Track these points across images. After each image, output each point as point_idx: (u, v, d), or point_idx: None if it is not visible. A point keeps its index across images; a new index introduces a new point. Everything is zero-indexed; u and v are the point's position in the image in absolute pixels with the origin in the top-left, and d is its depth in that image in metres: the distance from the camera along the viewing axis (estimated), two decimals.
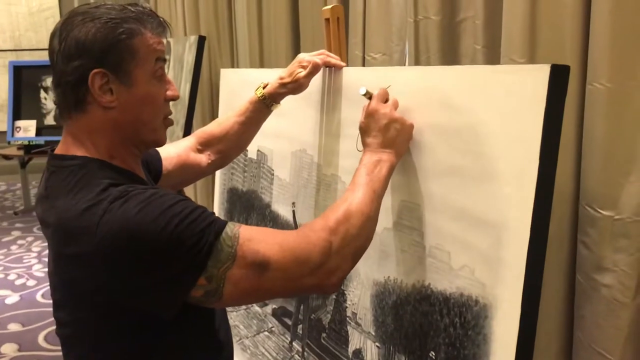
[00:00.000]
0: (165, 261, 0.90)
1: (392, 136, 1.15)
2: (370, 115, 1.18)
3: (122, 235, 0.89)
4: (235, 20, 3.46)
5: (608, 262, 1.40)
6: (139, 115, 1.05)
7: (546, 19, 1.46)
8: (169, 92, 1.10)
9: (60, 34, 1.01)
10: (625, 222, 1.33)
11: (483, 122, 1.03)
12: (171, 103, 1.13)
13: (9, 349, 3.09)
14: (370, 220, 1.06)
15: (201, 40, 2.67)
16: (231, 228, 0.96)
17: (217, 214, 2.13)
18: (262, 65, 3.01)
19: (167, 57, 1.10)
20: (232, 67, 3.46)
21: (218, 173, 2.12)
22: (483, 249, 1.03)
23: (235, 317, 1.96)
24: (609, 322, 1.41)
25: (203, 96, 3.81)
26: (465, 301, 1.06)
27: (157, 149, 1.41)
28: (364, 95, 1.23)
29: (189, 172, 1.46)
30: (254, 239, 0.95)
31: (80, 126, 1.04)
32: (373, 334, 1.31)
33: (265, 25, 3.05)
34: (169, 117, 1.13)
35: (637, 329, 1.38)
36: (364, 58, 2.18)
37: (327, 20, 1.51)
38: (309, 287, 1.00)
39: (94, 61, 0.99)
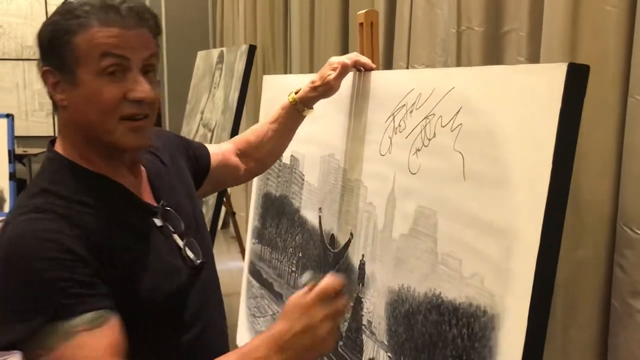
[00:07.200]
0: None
1: (300, 345, 0.89)
2: (300, 307, 0.90)
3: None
4: (290, 30, 3.50)
5: None
6: (86, 116, 0.98)
7: (588, 29, 1.40)
8: (130, 94, 0.96)
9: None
10: None
11: (500, 125, 0.98)
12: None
13: None
14: None
15: (251, 50, 2.71)
16: (74, 324, 0.87)
17: (251, 219, 2.16)
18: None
19: (118, 51, 0.95)
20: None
21: (255, 179, 2.13)
22: (494, 258, 0.98)
23: (263, 322, 1.95)
24: None
25: (254, 104, 3.86)
26: (473, 311, 1.01)
27: (205, 144, 1.41)
28: (305, 283, 0.92)
29: (227, 174, 1.43)
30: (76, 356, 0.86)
31: (58, 122, 1.06)
32: (386, 343, 1.26)
33: (316, 36, 3.07)
34: (136, 119, 0.98)
35: None
36: (407, 69, 2.15)
37: (361, 24, 1.50)
38: None
39: (43, 59, 0.98)
